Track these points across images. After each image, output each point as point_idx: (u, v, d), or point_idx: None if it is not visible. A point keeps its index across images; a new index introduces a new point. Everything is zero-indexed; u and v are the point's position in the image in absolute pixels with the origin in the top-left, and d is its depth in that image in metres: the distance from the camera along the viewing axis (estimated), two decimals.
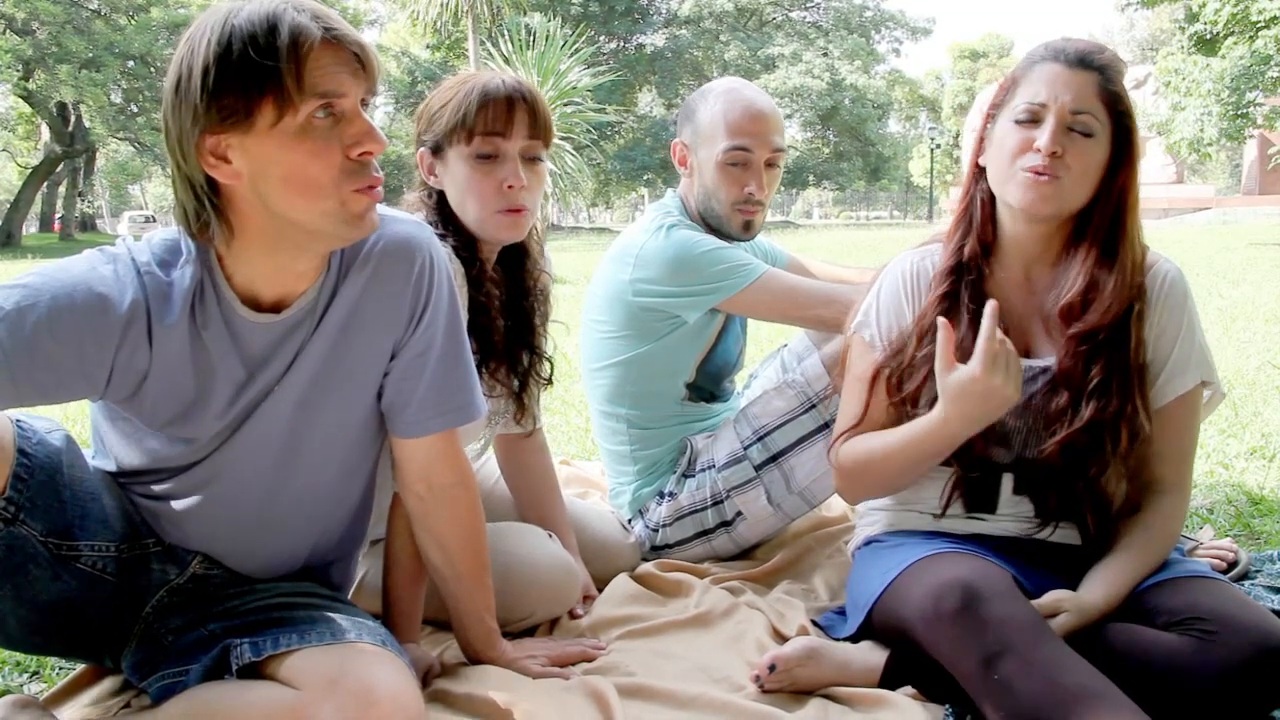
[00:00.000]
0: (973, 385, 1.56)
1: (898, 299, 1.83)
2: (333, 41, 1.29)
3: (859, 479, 1.83)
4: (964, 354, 1.60)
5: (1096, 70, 1.64)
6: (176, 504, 1.51)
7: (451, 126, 1.83)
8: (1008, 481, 1.72)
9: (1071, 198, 1.65)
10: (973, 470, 1.73)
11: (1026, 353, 1.73)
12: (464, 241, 1.88)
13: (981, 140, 1.75)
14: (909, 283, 1.83)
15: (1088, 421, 1.64)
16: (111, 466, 1.53)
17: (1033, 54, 1.71)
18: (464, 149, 1.84)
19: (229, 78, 1.25)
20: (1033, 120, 1.65)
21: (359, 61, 1.32)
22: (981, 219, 1.76)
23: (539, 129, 1.87)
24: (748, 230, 2.36)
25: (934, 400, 1.65)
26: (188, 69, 1.26)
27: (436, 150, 1.88)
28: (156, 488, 1.52)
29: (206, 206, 1.32)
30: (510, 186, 1.84)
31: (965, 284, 1.75)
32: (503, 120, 1.83)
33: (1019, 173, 1.65)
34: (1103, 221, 1.68)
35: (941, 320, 1.60)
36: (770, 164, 2.32)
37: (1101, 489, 1.67)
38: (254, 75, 1.25)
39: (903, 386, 1.77)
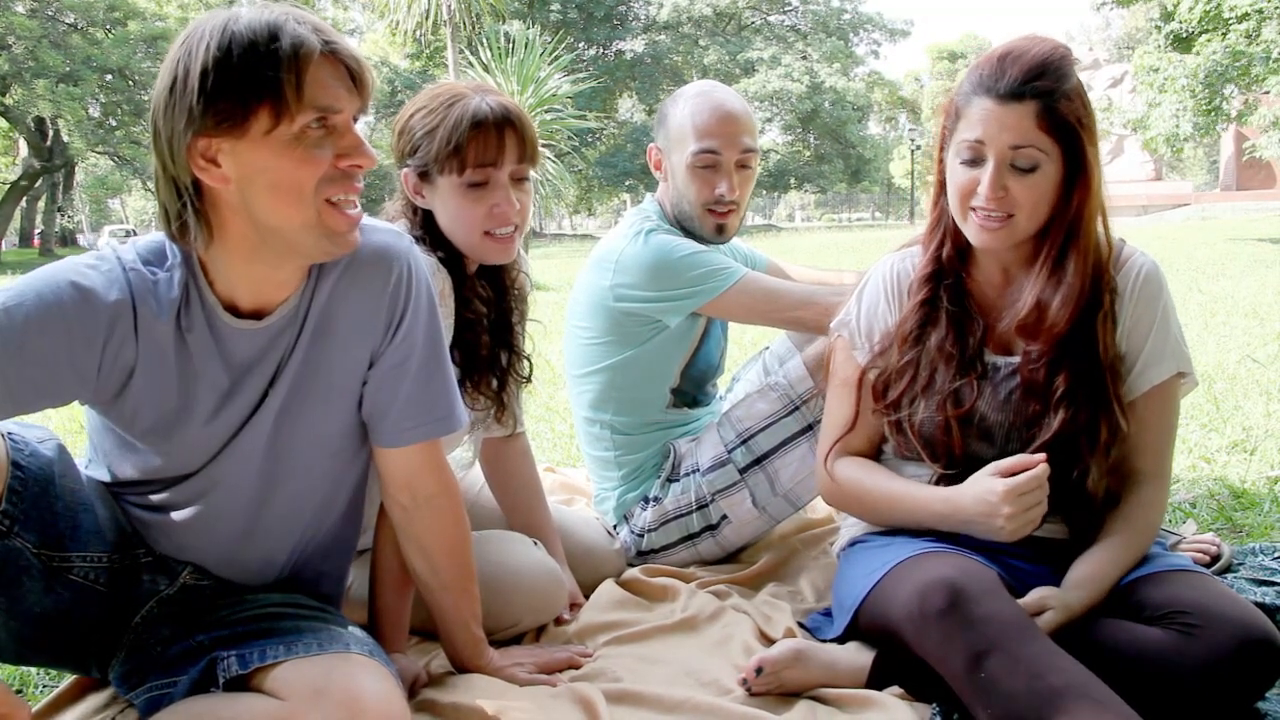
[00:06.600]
0: (989, 495, 1.59)
1: (878, 300, 1.85)
2: (331, 55, 1.31)
3: (846, 500, 1.87)
4: (944, 355, 1.66)
5: (1034, 99, 1.58)
6: (168, 515, 1.51)
7: (441, 155, 1.82)
8: None
9: (1025, 229, 1.66)
10: (955, 468, 1.73)
11: (1007, 350, 1.74)
12: (451, 255, 1.89)
13: (941, 161, 1.74)
14: (890, 284, 1.85)
15: (1056, 431, 1.65)
16: (106, 477, 1.53)
17: (971, 80, 1.65)
18: (455, 178, 1.83)
19: (227, 82, 1.25)
20: (975, 159, 1.64)
21: (355, 77, 1.33)
22: (953, 227, 1.76)
23: (527, 151, 1.87)
24: (721, 233, 2.35)
25: (914, 401, 1.69)
26: (184, 70, 1.27)
27: (423, 174, 1.88)
28: (151, 498, 1.52)
29: (188, 208, 1.33)
30: (502, 211, 1.85)
31: (944, 288, 1.77)
32: (494, 150, 1.83)
33: (970, 214, 1.66)
34: (1055, 240, 1.67)
35: (1044, 467, 1.57)
36: (741, 165, 2.32)
37: (1083, 486, 1.67)
38: (253, 82, 1.25)
39: (887, 392, 1.78)
